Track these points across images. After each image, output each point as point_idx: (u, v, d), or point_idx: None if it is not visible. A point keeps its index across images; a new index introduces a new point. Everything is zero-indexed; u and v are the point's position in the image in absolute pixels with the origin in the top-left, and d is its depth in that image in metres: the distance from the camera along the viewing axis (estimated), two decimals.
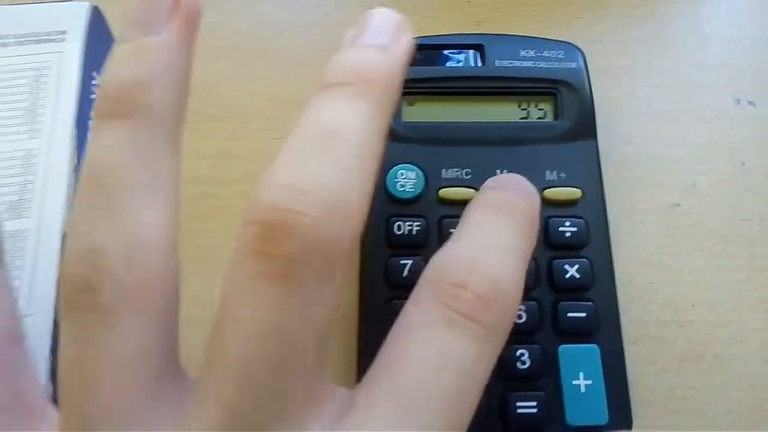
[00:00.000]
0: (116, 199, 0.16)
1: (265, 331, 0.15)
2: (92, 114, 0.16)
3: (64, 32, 0.30)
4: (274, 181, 0.15)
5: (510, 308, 0.17)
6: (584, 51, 0.29)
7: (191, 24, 0.17)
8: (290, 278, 0.15)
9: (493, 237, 0.18)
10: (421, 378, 0.15)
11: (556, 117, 0.28)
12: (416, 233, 0.26)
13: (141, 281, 0.15)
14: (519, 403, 0.23)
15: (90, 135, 0.16)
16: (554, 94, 0.28)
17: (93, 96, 0.30)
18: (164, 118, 0.17)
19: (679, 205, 0.29)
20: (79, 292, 0.15)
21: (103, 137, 0.16)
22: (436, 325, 0.16)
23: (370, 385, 0.16)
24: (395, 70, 0.18)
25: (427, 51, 0.29)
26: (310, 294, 0.15)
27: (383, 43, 0.18)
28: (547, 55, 0.29)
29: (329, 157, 0.16)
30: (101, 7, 0.32)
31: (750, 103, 0.31)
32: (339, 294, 0.16)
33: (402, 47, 0.18)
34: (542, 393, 0.24)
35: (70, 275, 0.15)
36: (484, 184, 0.20)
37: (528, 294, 0.25)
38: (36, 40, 0.30)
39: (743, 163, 0.30)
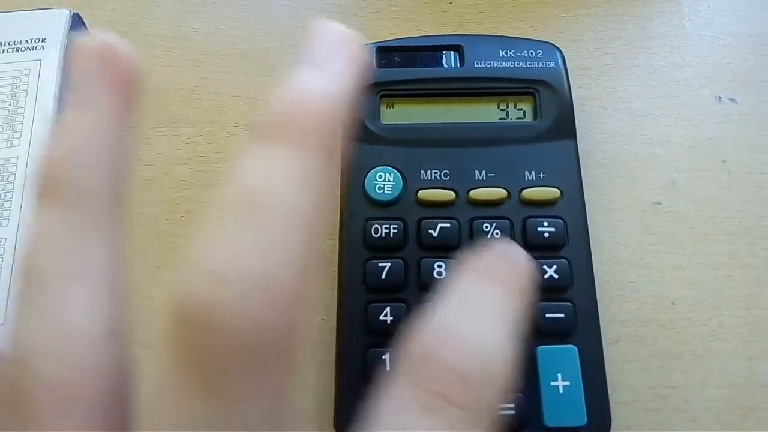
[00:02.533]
0: (42, 293, 0.14)
1: None
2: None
3: (43, 40, 0.30)
4: (193, 263, 0.13)
5: (496, 385, 0.15)
6: (565, 50, 0.29)
7: (126, 94, 0.16)
8: (217, 384, 0.13)
9: (478, 305, 0.16)
10: None
11: (535, 117, 0.28)
12: (394, 235, 0.26)
13: (66, 379, 0.14)
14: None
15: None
16: (533, 94, 0.28)
17: None
18: (92, 199, 0.15)
19: (659, 203, 0.29)
20: (13, 401, 0.14)
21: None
22: (408, 411, 0.14)
23: None
24: (337, 101, 0.16)
25: (406, 53, 0.29)
26: (243, 398, 0.13)
27: (324, 68, 0.16)
28: (526, 55, 0.29)
29: (254, 229, 0.14)
30: (82, 13, 0.32)
31: (731, 100, 0.31)
32: (288, 384, 0.14)
33: (346, 70, 0.16)
34: (520, 394, 0.24)
35: (7, 380, 0.14)
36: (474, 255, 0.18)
37: None
38: (16, 49, 0.30)
39: (724, 161, 0.30)
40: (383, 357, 0.24)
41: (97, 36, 0.16)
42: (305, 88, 0.16)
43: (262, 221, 0.14)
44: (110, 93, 0.16)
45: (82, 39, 0.16)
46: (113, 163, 0.16)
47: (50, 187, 0.15)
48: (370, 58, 0.28)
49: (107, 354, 0.15)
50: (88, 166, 0.15)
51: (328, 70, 0.16)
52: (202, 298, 0.13)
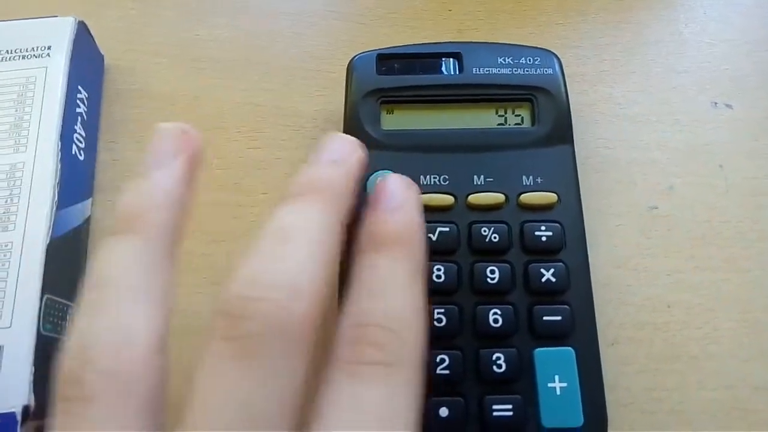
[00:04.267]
0: (111, 301, 0.18)
1: (230, 405, 0.16)
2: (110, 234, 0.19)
3: (49, 47, 0.30)
4: (237, 275, 0.18)
5: (409, 335, 0.19)
6: (563, 57, 0.30)
7: (193, 161, 0.21)
8: (251, 355, 0.17)
9: (378, 281, 0.20)
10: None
11: (533, 123, 0.28)
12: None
13: (123, 374, 0.16)
14: (495, 406, 0.24)
15: (100, 249, 0.19)
16: (531, 100, 0.29)
17: (78, 110, 0.30)
18: (161, 236, 0.19)
19: (656, 207, 0.30)
20: (68, 384, 0.17)
21: (108, 250, 0.19)
22: (349, 384, 0.18)
23: None
24: (346, 180, 0.22)
25: (406, 60, 0.30)
26: (271, 368, 0.17)
27: (336, 159, 0.22)
28: (524, 61, 0.29)
29: (282, 252, 0.19)
30: (87, 21, 0.32)
31: (727, 105, 0.32)
32: (303, 366, 0.17)
33: (352, 163, 0.22)
34: (518, 396, 0.24)
35: (63, 369, 0.17)
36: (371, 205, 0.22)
37: (504, 298, 0.25)
38: (22, 56, 0.30)
39: (720, 166, 0.30)
40: None
41: (174, 123, 0.21)
42: (320, 170, 0.21)
43: (289, 245, 0.19)
44: (181, 161, 0.20)
45: (166, 124, 0.21)
46: (177, 211, 0.20)
47: (126, 222, 0.19)
48: (371, 68, 0.29)
49: (158, 363, 0.17)
50: (158, 209, 0.19)
51: (338, 161, 0.22)
52: (241, 294, 0.17)
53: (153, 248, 0.19)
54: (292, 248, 0.19)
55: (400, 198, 0.22)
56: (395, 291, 0.20)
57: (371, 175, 0.27)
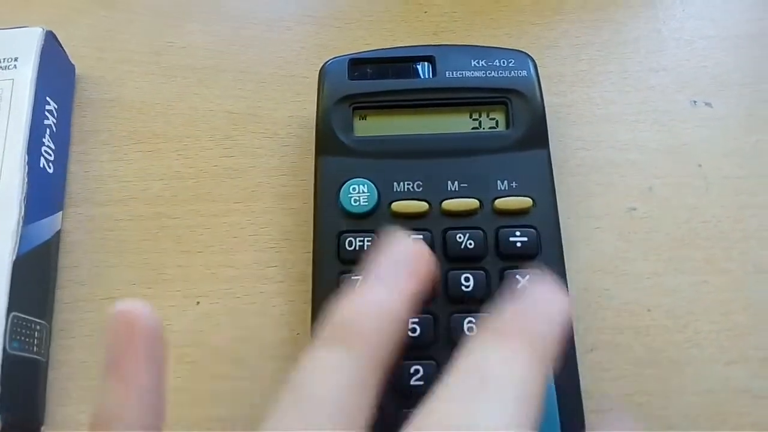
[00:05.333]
0: (321, 422, 0.16)
1: None
2: (314, 337, 0.18)
3: (16, 59, 0.30)
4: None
5: None
6: (540, 57, 0.29)
7: (419, 286, 0.19)
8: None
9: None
10: None
11: (507, 126, 0.28)
12: (368, 248, 0.26)
13: None
14: None
15: (307, 354, 0.18)
16: (505, 103, 0.28)
17: (47, 122, 0.30)
18: (376, 355, 0.18)
19: (635, 209, 0.29)
20: None
21: (318, 361, 0.17)
22: None
23: None
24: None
25: (379, 65, 0.29)
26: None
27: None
28: (498, 64, 0.29)
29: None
30: (58, 30, 0.32)
31: (707, 104, 0.31)
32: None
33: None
34: None
35: None
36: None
37: (479, 306, 0.25)
38: None
39: (700, 166, 0.30)
40: None
41: (409, 239, 0.20)
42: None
43: None
44: (410, 280, 0.19)
45: (401, 237, 0.20)
46: (396, 331, 0.18)
47: (341, 332, 0.18)
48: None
49: None
50: (378, 326, 0.18)
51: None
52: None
53: (366, 366, 0.17)
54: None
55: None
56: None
57: (345, 182, 0.27)
